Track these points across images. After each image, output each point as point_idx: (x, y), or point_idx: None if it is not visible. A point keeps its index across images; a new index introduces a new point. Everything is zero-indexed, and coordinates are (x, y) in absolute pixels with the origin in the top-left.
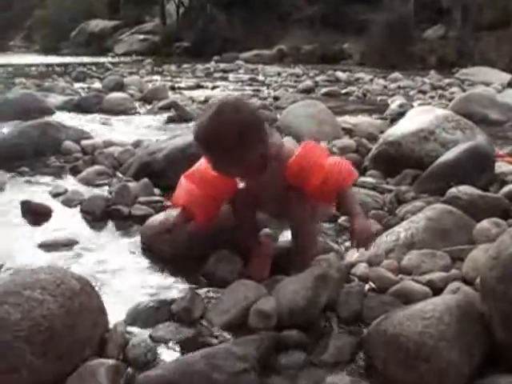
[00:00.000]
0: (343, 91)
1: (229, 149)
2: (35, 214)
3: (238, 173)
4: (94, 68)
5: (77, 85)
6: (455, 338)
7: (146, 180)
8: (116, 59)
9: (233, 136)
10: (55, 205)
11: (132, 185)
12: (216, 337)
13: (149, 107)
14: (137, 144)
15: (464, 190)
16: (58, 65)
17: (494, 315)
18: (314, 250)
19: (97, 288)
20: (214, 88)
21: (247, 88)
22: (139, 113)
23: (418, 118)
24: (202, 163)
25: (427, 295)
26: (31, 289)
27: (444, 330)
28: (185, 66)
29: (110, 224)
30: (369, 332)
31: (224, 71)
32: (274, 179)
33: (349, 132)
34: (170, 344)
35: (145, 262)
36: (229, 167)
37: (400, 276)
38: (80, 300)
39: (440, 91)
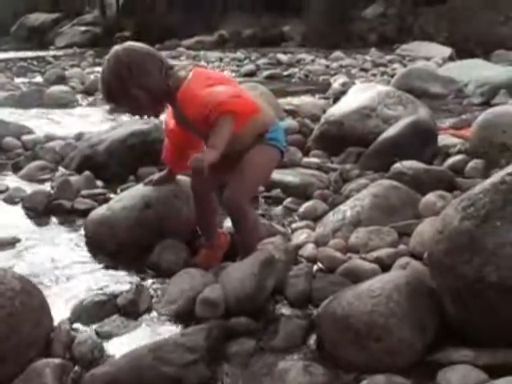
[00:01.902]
0: (285, 73)
1: (118, 96)
2: None
3: (143, 111)
4: (35, 62)
5: (18, 80)
6: (405, 314)
7: (87, 173)
8: (57, 52)
9: (114, 85)
10: None
11: (74, 178)
12: (163, 328)
13: (91, 99)
14: (78, 137)
15: (408, 165)
16: None
17: (443, 289)
18: (258, 233)
19: (40, 286)
20: None
21: None
22: (81, 105)
23: (360, 95)
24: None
25: (376, 272)
26: None
27: (393, 308)
28: None
29: (53, 219)
30: (318, 314)
31: None
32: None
33: (292, 113)
34: (117, 339)
35: (89, 255)
36: (132, 109)
37: (348, 255)
38: (21, 300)
39: (382, 68)
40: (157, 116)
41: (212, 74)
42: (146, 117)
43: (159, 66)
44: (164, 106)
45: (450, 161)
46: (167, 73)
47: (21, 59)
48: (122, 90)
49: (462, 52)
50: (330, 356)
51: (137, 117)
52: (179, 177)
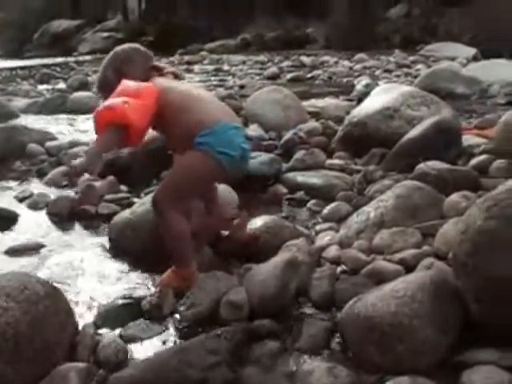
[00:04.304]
0: (309, 75)
1: (99, 81)
2: (1, 220)
3: None
4: (58, 69)
5: (41, 87)
6: (429, 315)
7: (111, 177)
8: (81, 58)
9: (100, 70)
10: (21, 209)
11: (98, 183)
12: (187, 331)
13: None
14: None
15: (432, 165)
16: (22, 68)
17: (467, 289)
18: (181, 239)
19: (64, 290)
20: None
21: (212, 78)
22: None
23: (383, 96)
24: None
25: (400, 273)
26: None
27: (417, 308)
28: None
29: (78, 224)
30: (342, 316)
31: (189, 63)
32: None
33: (316, 115)
34: (142, 342)
35: (113, 260)
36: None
37: (372, 256)
38: (45, 304)
39: (405, 69)
40: None
41: (126, 85)
42: None
43: (145, 61)
44: None
45: (475, 161)
46: (150, 73)
47: (44, 66)
48: (103, 73)
49: (486, 52)
50: (353, 357)
51: None
52: None
